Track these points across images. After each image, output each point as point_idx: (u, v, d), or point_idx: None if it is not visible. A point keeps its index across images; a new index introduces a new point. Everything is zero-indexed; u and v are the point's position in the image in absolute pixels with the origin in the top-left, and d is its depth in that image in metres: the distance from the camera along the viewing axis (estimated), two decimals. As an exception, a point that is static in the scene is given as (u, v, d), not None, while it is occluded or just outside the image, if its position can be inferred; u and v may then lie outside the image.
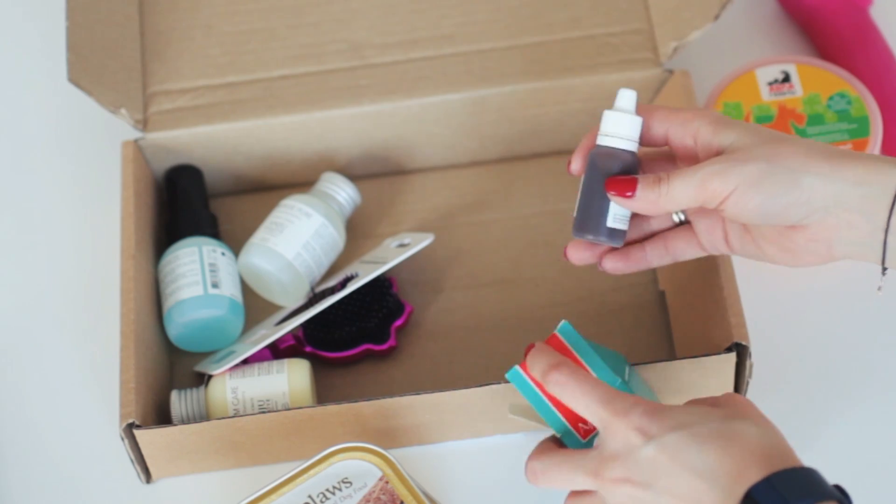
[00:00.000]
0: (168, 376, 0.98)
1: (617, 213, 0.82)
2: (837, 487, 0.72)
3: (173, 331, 0.96)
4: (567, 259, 0.86)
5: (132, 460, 0.91)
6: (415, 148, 1.05)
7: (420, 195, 1.05)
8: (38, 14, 1.15)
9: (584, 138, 0.84)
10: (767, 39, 1.11)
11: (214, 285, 0.96)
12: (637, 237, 0.86)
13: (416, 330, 0.99)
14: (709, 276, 0.93)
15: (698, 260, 0.95)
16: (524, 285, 1.00)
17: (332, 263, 1.01)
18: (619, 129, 0.82)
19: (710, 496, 0.71)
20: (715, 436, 0.72)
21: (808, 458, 0.74)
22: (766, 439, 0.72)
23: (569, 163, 0.84)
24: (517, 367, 0.83)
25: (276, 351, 0.97)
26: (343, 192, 1.02)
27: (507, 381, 0.89)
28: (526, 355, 0.82)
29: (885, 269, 0.79)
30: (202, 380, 0.97)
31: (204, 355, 0.99)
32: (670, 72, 1.01)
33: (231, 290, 0.97)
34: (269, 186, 1.06)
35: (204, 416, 0.93)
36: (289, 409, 0.89)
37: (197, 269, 0.96)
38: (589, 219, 0.82)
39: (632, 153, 0.82)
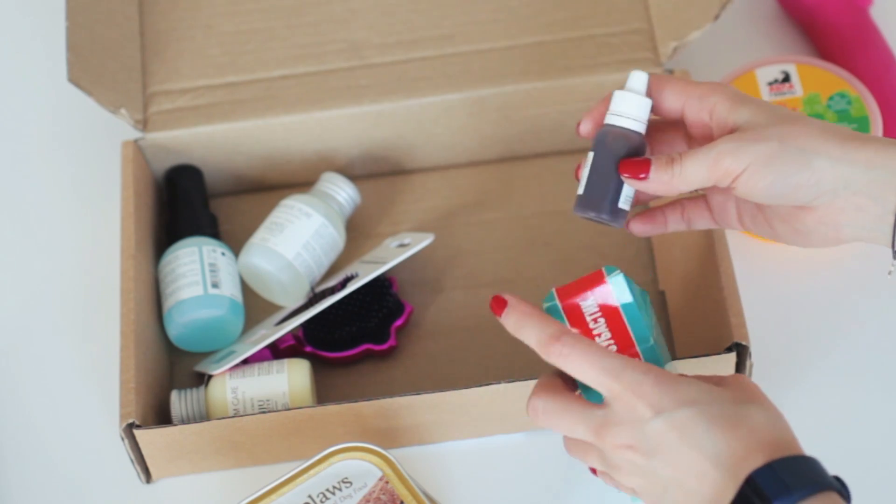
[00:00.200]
0: (168, 376, 0.98)
1: (627, 195, 0.81)
2: (837, 479, 0.72)
3: (173, 331, 0.96)
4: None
5: (132, 460, 0.91)
6: (414, 148, 1.05)
7: (420, 195, 1.05)
8: (38, 14, 1.15)
9: (598, 102, 0.83)
10: (767, 39, 1.11)
11: (214, 285, 0.96)
12: (651, 199, 0.86)
13: (416, 330, 0.99)
14: (709, 276, 0.93)
15: (698, 260, 0.95)
16: (524, 285, 1.00)
17: (332, 263, 1.01)
18: (631, 110, 0.81)
19: (712, 476, 0.71)
20: (724, 417, 0.72)
21: (810, 450, 0.75)
22: (773, 426, 0.72)
23: (578, 124, 0.83)
24: (553, 292, 0.80)
25: (276, 351, 0.97)
26: (343, 192, 1.02)
27: (507, 382, 0.89)
28: (500, 308, 0.78)
29: (895, 251, 0.78)
30: (202, 380, 0.97)
31: (204, 355, 0.99)
32: (670, 72, 1.01)
33: (231, 290, 0.97)
34: (268, 186, 1.06)
35: (204, 416, 0.93)
36: (289, 409, 0.89)
37: (197, 269, 0.96)
38: (598, 198, 0.81)
39: (640, 135, 0.81)
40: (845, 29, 1.07)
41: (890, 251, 0.79)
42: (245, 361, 0.95)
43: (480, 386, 0.89)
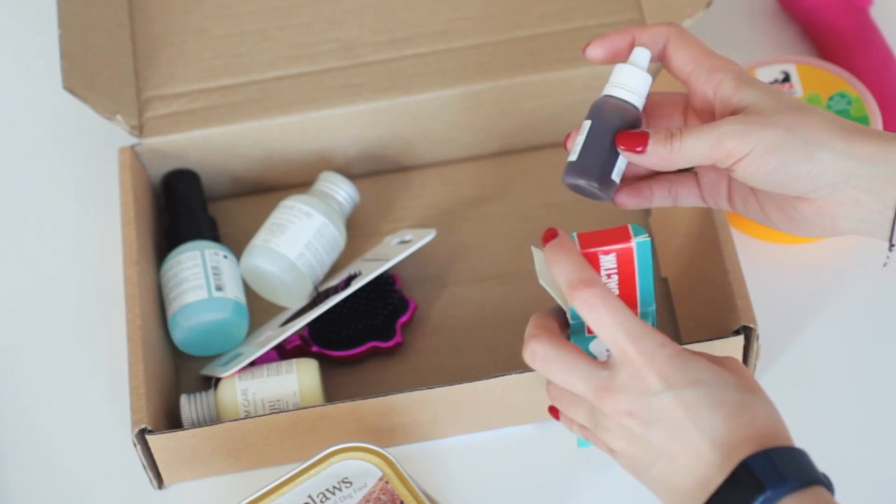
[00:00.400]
0: (175, 381, 0.98)
1: (620, 167, 0.80)
2: (824, 475, 0.73)
3: (179, 335, 0.96)
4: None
5: (144, 466, 0.91)
6: (411, 145, 1.05)
7: (418, 192, 1.05)
8: (33, 21, 1.15)
9: (614, 32, 0.81)
10: (767, 39, 1.11)
11: (218, 288, 0.96)
12: (644, 173, 0.84)
13: (421, 326, 0.99)
14: (712, 260, 0.93)
15: (700, 245, 0.95)
16: (527, 277, 1.00)
17: (333, 263, 1.01)
18: (632, 84, 0.80)
19: (707, 456, 0.71)
20: (729, 402, 0.72)
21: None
22: (771, 417, 0.73)
23: (586, 46, 0.81)
24: (575, 237, 0.78)
25: (283, 351, 0.97)
26: (342, 191, 1.02)
27: (517, 373, 0.89)
28: (548, 237, 0.77)
29: (892, 245, 0.78)
30: (209, 383, 0.97)
31: (208, 359, 0.99)
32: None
33: (235, 292, 0.97)
34: (266, 188, 1.06)
35: (214, 419, 0.93)
36: (300, 409, 0.89)
37: (200, 273, 0.96)
38: (591, 166, 0.79)
39: (638, 109, 0.80)
40: (845, 29, 1.07)
41: (886, 243, 0.78)
42: (252, 363, 0.94)
43: (490, 378, 0.90)
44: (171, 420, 0.94)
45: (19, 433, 0.97)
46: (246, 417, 0.90)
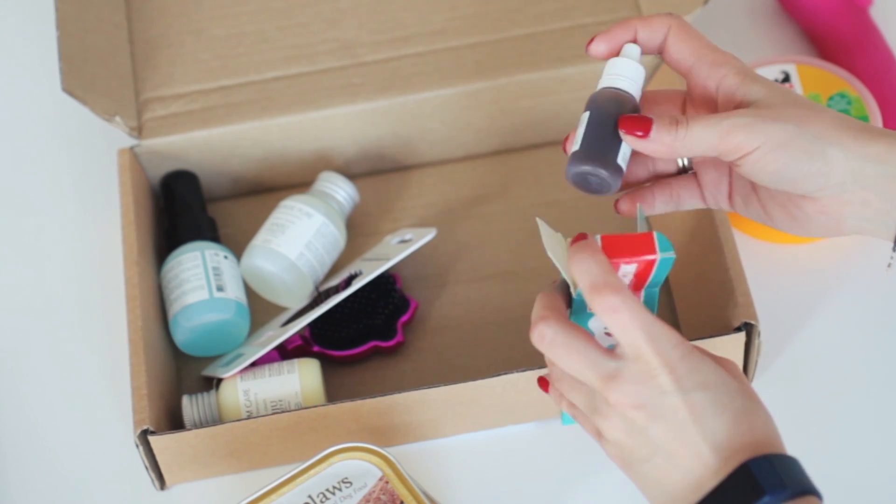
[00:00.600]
0: (176, 382, 0.98)
1: (624, 153, 0.78)
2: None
3: (180, 336, 0.96)
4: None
5: (146, 467, 0.91)
6: (411, 144, 1.05)
7: (418, 191, 1.06)
8: (32, 23, 1.14)
9: (615, 25, 0.79)
10: (767, 39, 1.11)
11: (220, 288, 0.96)
12: (643, 178, 0.83)
13: (422, 325, 0.99)
14: (712, 258, 0.93)
15: (701, 242, 0.95)
16: (527, 276, 1.00)
17: (333, 263, 1.01)
18: (627, 73, 0.79)
19: (706, 458, 0.71)
20: (733, 408, 0.72)
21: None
22: (769, 425, 0.73)
23: (589, 42, 0.80)
24: (598, 240, 0.76)
25: (284, 351, 0.97)
26: (342, 191, 1.02)
27: (519, 371, 0.89)
28: (576, 240, 0.75)
29: None
30: (210, 384, 0.97)
31: (209, 360, 0.99)
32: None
33: (236, 292, 0.97)
34: (266, 188, 1.06)
35: (216, 419, 0.93)
36: (302, 409, 0.89)
37: (201, 274, 0.96)
38: (596, 152, 0.78)
39: (636, 100, 0.79)
40: (845, 29, 1.07)
41: (886, 243, 0.78)
42: (254, 363, 0.94)
43: (491, 377, 0.90)
44: (173, 421, 0.94)
45: (21, 434, 0.97)
46: (248, 418, 0.90)
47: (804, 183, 0.76)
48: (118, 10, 1.06)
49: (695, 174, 0.83)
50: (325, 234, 0.99)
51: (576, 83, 1.02)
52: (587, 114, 0.79)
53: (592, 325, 0.79)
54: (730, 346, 0.90)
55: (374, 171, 1.06)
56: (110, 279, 1.00)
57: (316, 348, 0.97)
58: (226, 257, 0.98)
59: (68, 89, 0.98)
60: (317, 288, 0.99)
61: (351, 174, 1.05)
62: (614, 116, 0.78)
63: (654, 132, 0.76)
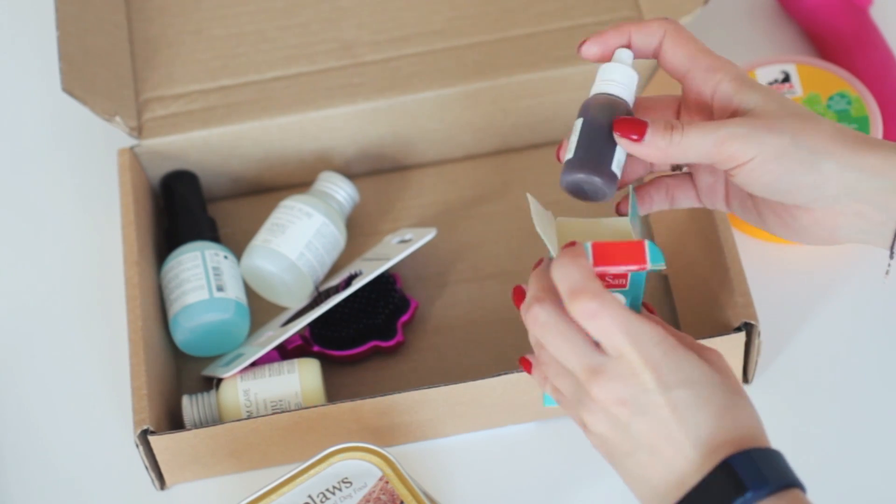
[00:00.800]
0: (176, 382, 0.98)
1: (619, 159, 0.78)
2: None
3: (180, 336, 0.96)
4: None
5: (146, 467, 0.91)
6: (411, 144, 1.05)
7: (418, 191, 1.06)
8: (31, 23, 1.15)
9: (609, 28, 0.79)
10: (767, 39, 1.11)
11: (220, 288, 0.96)
12: (640, 174, 0.83)
13: (422, 325, 0.99)
14: (712, 257, 0.93)
15: (701, 243, 0.95)
16: (527, 275, 0.99)
17: (333, 263, 1.01)
18: (620, 78, 0.78)
19: (688, 453, 0.71)
20: (715, 404, 0.72)
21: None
22: (753, 420, 0.73)
23: (581, 44, 0.79)
24: (589, 248, 0.76)
25: (284, 351, 0.97)
26: (342, 191, 1.02)
27: (517, 371, 0.89)
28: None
29: (893, 254, 0.78)
30: (210, 384, 0.97)
31: (209, 360, 0.99)
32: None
33: (236, 292, 0.97)
34: (266, 188, 1.06)
35: (216, 419, 0.93)
36: (302, 409, 0.89)
37: (201, 274, 0.96)
38: (590, 159, 0.77)
39: (629, 106, 0.79)
40: (845, 29, 1.07)
41: (886, 252, 0.78)
42: (254, 363, 0.95)
43: (491, 377, 0.90)
44: (173, 421, 0.94)
45: (21, 434, 0.97)
46: (248, 418, 0.91)
47: (798, 194, 0.76)
48: (118, 10, 1.06)
49: (690, 175, 0.83)
50: (325, 234, 0.99)
51: (576, 83, 1.02)
52: (580, 120, 0.78)
53: None
54: (730, 346, 0.90)
55: (374, 171, 1.06)
56: (110, 279, 1.00)
57: (316, 348, 0.97)
58: (226, 257, 0.98)
59: (68, 89, 0.98)
60: (317, 288, 0.99)
61: (351, 174, 1.05)
62: (608, 123, 0.77)
63: (649, 136, 0.76)
